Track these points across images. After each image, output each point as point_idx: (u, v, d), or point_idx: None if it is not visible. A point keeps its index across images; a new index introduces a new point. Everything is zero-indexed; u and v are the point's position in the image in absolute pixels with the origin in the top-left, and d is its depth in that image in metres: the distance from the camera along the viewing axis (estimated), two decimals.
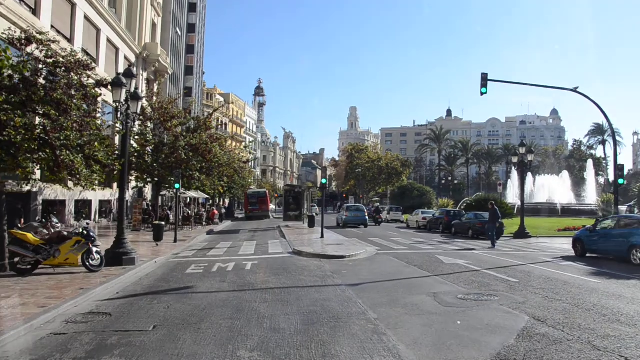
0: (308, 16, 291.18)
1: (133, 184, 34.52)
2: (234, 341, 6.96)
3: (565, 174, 64.17)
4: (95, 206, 35.45)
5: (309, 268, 14.45)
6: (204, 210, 44.99)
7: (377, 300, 9.75)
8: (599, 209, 50.60)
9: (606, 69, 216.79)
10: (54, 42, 13.10)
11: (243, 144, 77.71)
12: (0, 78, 11.25)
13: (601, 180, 79.10)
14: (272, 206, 71.94)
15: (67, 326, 7.96)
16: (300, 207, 40.48)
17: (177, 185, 24.43)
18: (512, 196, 56.51)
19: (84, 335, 7.35)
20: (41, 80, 12.00)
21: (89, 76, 13.62)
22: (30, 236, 12.85)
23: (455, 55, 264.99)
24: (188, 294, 10.58)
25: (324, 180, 28.18)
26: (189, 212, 38.44)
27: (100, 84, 14.13)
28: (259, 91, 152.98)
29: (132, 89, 15.35)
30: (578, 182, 69.92)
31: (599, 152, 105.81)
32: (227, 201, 74.29)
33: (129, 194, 40.59)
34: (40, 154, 11.96)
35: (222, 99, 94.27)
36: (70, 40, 29.91)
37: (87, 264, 13.13)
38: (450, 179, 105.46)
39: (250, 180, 69.90)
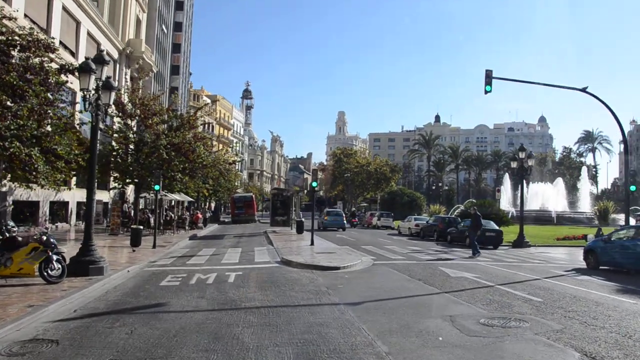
0: (297, 21, 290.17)
1: (113, 184, 32.68)
2: None
3: (559, 181, 63.05)
4: (72, 208, 33.50)
5: (300, 281, 12.77)
6: (188, 213, 43.14)
7: (384, 326, 8.11)
8: (595, 217, 49.64)
9: (588, 77, 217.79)
10: (9, 18, 11.35)
11: (230, 147, 75.83)
12: None
13: (593, 188, 78.15)
14: (257, 211, 71.13)
15: None
16: (288, 212, 38.69)
17: (156, 187, 22.63)
18: (504, 203, 55.19)
19: None
20: None
21: (51, 60, 11.88)
22: None
23: (443, 60, 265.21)
24: (159, 314, 8.86)
25: (314, 184, 26.54)
26: (172, 215, 36.58)
27: (65, 69, 12.41)
28: (246, 94, 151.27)
29: (104, 77, 13.63)
30: (569, 190, 68.89)
31: (588, 159, 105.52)
32: (212, 204, 72.39)
33: (109, 196, 38.67)
34: None
35: (209, 101, 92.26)
36: (46, 31, 28.04)
37: (45, 274, 11.32)
38: (440, 184, 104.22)
39: (236, 184, 68.10)
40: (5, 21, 10.91)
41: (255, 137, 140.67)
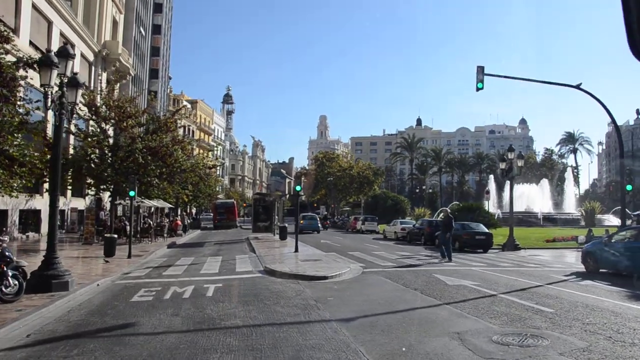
0: (277, 26, 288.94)
1: (88, 191, 31.28)
2: None
3: (544, 182, 62.75)
4: (44, 216, 31.97)
5: (286, 294, 11.65)
6: (167, 220, 41.71)
7: (385, 348, 7.06)
8: (582, 218, 49.29)
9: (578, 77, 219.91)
10: None
11: (211, 151, 74.35)
12: None
13: (575, 189, 78.14)
14: (239, 217, 70.61)
15: None
16: (271, 218, 37.51)
17: (132, 193, 21.31)
18: (489, 205, 54.58)
19: None
20: None
21: (7, 52, 10.68)
22: None
23: (423, 64, 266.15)
24: (125, 337, 7.70)
25: (298, 188, 25.53)
26: (150, 222, 35.17)
27: (24, 62, 11.20)
28: (227, 99, 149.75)
29: (69, 73, 12.43)
30: (552, 191, 68.70)
31: (570, 160, 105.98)
32: (193, 211, 70.86)
33: (85, 203, 37.18)
34: None
35: (189, 105, 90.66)
36: (15, 31, 26.59)
37: None
38: (424, 187, 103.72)
39: (217, 189, 66.67)
40: None
41: (237, 142, 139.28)
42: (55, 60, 11.60)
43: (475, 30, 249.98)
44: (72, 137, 29.59)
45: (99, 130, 26.89)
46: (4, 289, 10.10)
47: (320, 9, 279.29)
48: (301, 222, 43.32)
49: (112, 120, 27.02)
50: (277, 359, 6.51)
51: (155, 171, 26.58)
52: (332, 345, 7.15)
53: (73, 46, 34.65)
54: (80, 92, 13.37)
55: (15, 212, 28.36)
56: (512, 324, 8.50)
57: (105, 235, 22.19)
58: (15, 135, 11.65)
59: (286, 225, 34.14)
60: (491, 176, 78.73)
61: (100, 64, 42.15)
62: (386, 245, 31.00)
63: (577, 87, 20.64)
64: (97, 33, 41.99)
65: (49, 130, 24.17)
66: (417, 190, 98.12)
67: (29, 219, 30.87)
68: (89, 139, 26.41)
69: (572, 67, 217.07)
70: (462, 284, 13.20)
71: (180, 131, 39.90)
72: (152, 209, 44.76)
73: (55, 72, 11.64)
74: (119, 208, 37.91)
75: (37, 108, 13.91)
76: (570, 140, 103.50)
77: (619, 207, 55.89)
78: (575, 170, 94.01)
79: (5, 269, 10.21)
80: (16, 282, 10.36)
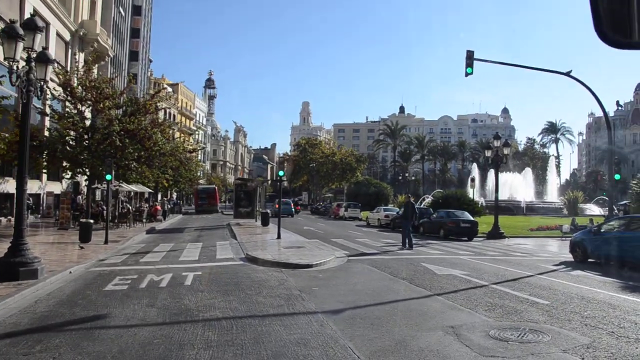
0: (261, 10, 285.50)
1: (67, 175, 30.29)
2: None
3: (528, 171, 62.87)
4: None
5: (268, 283, 11.10)
6: (146, 205, 40.82)
7: (375, 343, 6.55)
8: (565, 207, 49.43)
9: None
10: None
11: (191, 134, 73.20)
12: None
13: (556, 178, 78.55)
14: (221, 202, 70.59)
15: None
16: (253, 204, 36.88)
17: (108, 177, 20.53)
18: (472, 193, 54.49)
19: None
20: None
21: None
22: None
23: (406, 51, 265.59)
24: (95, 331, 7.09)
25: (281, 173, 24.95)
26: (129, 207, 34.30)
27: None
28: (209, 83, 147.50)
29: (37, 47, 11.63)
30: (535, 180, 68.98)
31: (551, 150, 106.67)
32: (174, 196, 69.89)
33: (62, 187, 36.15)
34: None
35: (170, 89, 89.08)
36: None
37: None
38: (406, 175, 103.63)
39: (198, 174, 65.82)
40: None
41: (219, 127, 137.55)
42: (21, 32, 10.78)
43: (458, 18, 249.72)
44: (47, 119, 28.58)
45: (75, 111, 25.92)
46: None
47: None
48: (276, 206, 43.53)
49: (89, 102, 26.04)
50: (259, 356, 5.96)
51: (133, 154, 25.74)
52: (318, 340, 6.63)
53: (48, 24, 33.38)
54: (50, 68, 12.55)
55: None
56: (508, 317, 8.06)
57: (81, 220, 21.42)
58: None
59: (268, 211, 33.59)
60: (474, 164, 78.84)
61: (77, 44, 40.83)
62: (370, 232, 30.63)
63: (567, 74, 20.28)
64: (74, 12, 40.58)
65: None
66: (400, 178, 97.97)
67: (2, 203, 29.89)
68: (64, 121, 25.42)
69: (550, 57, 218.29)
70: (452, 273, 12.78)
71: (161, 114, 38.83)
72: (132, 193, 43.82)
73: (20, 45, 10.82)
74: (97, 192, 36.95)
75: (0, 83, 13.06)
76: (552, 130, 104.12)
77: (600, 197, 56.56)
78: (557, 160, 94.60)
79: None
80: None
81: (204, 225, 33.84)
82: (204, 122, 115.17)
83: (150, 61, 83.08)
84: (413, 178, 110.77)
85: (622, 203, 35.95)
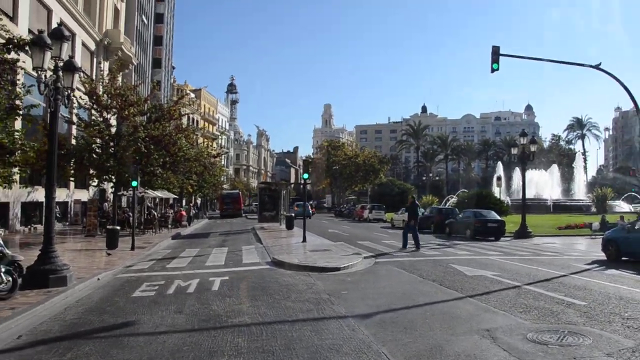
0: (280, 15, 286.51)
1: (94, 183, 30.62)
2: None
3: (554, 168, 61.74)
4: None
5: (296, 287, 10.99)
6: (171, 211, 41.15)
7: (410, 348, 6.38)
8: (593, 204, 48.39)
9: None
10: None
11: (215, 139, 73.72)
12: None
13: (584, 175, 77.04)
14: (245, 206, 71.66)
15: None
16: (277, 207, 36.86)
17: (134, 183, 20.69)
18: (498, 192, 53.77)
19: None
20: None
21: None
22: None
23: (428, 50, 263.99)
24: (124, 338, 7.04)
25: (305, 175, 24.82)
26: (154, 213, 34.58)
27: (13, 44, 10.49)
28: (231, 88, 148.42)
29: (64, 56, 11.71)
30: (561, 177, 67.76)
31: (577, 146, 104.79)
32: (198, 201, 70.41)
33: (89, 195, 36.60)
34: None
35: (192, 95, 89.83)
36: (12, 18, 25.91)
37: None
38: (430, 175, 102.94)
39: (222, 179, 66.31)
40: None
41: (241, 131, 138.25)
42: (48, 41, 10.87)
43: (479, 16, 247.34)
44: (74, 128, 28.95)
45: (100, 119, 26.22)
46: None
47: None
48: (295, 208, 45.15)
49: (114, 109, 26.31)
50: None
51: (158, 160, 25.90)
52: (351, 345, 6.48)
53: (74, 35, 33.89)
54: (77, 77, 12.65)
55: (17, 204, 27.81)
56: (544, 319, 7.80)
57: (108, 227, 21.60)
58: (6, 121, 10.92)
59: (293, 214, 33.53)
60: (499, 163, 77.59)
61: (102, 53, 41.39)
62: (395, 234, 30.30)
63: (597, 67, 19.79)
64: (98, 22, 41.18)
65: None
66: (424, 178, 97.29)
67: (32, 211, 30.35)
68: (91, 129, 25.72)
69: (578, 52, 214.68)
70: (482, 274, 12.51)
71: (184, 120, 39.12)
72: (157, 199, 44.24)
73: (48, 55, 10.92)
74: (123, 199, 37.34)
75: (28, 92, 13.20)
76: (578, 125, 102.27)
77: (630, 193, 55.27)
78: (584, 156, 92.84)
79: None
80: (9, 278, 9.71)
81: (228, 230, 33.93)
82: (227, 127, 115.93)
83: (173, 68, 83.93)
84: (437, 178, 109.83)
85: None
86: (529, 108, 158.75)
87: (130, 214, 30.00)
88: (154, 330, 7.47)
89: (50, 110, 11.68)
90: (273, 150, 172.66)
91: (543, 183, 57.65)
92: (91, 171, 27.16)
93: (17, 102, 11.73)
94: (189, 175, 35.86)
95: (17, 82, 12.19)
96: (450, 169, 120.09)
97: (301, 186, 30.96)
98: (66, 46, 11.81)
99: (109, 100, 26.22)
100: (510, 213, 37.21)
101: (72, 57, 13.30)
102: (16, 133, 11.75)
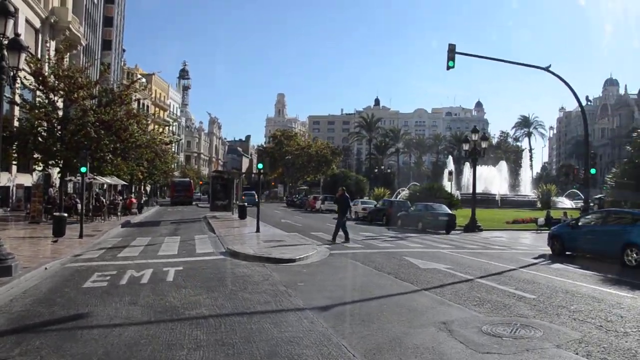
0: (234, 3, 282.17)
1: (39, 167, 29.42)
2: None
3: (503, 164, 63.59)
4: None
5: (253, 278, 10.92)
6: (120, 198, 40.09)
7: (369, 341, 6.44)
8: (538, 200, 50.13)
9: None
10: None
11: (167, 126, 72.32)
12: None
13: (530, 172, 79.73)
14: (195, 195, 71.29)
15: None
16: (230, 196, 36.54)
17: (83, 169, 19.98)
18: (449, 186, 54.98)
19: None
20: None
21: None
22: None
23: (382, 44, 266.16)
24: (77, 331, 6.81)
25: (260, 165, 24.67)
26: (103, 200, 33.62)
27: None
28: (183, 74, 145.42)
29: (9, 34, 11.17)
30: (509, 173, 69.90)
31: (524, 144, 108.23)
32: (148, 188, 69.03)
33: (32, 180, 35.20)
34: None
35: (143, 79, 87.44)
36: None
37: None
38: (382, 167, 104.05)
39: (173, 166, 65.22)
40: None
41: (193, 118, 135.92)
42: None
43: (432, 12, 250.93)
44: (17, 109, 27.72)
45: (46, 101, 25.19)
46: None
47: None
48: (243, 197, 43.87)
49: (62, 92, 25.32)
50: (252, 356, 5.79)
51: (109, 146, 25.16)
52: (311, 338, 6.49)
53: (17, 10, 32.33)
54: (23, 56, 12.12)
55: None
56: (498, 312, 8.05)
57: (55, 213, 20.85)
58: None
59: (246, 204, 33.30)
60: (450, 157, 79.42)
61: (47, 32, 39.66)
62: (348, 225, 30.49)
63: (546, 69, 20.47)
64: None
65: None
66: (375, 170, 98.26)
67: None
68: (36, 111, 24.69)
69: (522, 54, 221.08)
70: (435, 267, 12.77)
71: (135, 105, 38.05)
72: (105, 186, 43.01)
73: None
74: (69, 185, 36.12)
75: None
76: (525, 124, 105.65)
77: (572, 190, 57.58)
78: (530, 153, 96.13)
79: None
80: None
81: (180, 219, 33.39)
82: (178, 113, 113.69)
83: (124, 51, 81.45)
84: (388, 171, 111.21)
85: (597, 197, 36.65)
86: (479, 105, 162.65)
87: (78, 200, 29.09)
88: (109, 322, 7.26)
89: None
90: (225, 138, 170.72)
91: (492, 178, 59.33)
92: (36, 155, 26.12)
93: None
94: (140, 161, 34.98)
95: None
96: (402, 162, 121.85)
97: (253, 175, 30.82)
98: (12, 23, 11.27)
99: (56, 82, 25.23)
100: (460, 207, 38.12)
101: (18, 35, 12.71)
102: None
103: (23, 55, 12.04)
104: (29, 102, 25.36)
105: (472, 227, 27.49)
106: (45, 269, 11.76)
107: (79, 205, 26.77)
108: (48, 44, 36.27)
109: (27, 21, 35.43)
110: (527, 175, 66.11)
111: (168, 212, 42.50)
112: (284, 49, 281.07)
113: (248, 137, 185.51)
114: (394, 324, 7.24)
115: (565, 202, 50.51)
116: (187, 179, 71.68)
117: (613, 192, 19.92)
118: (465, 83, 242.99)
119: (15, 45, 11.37)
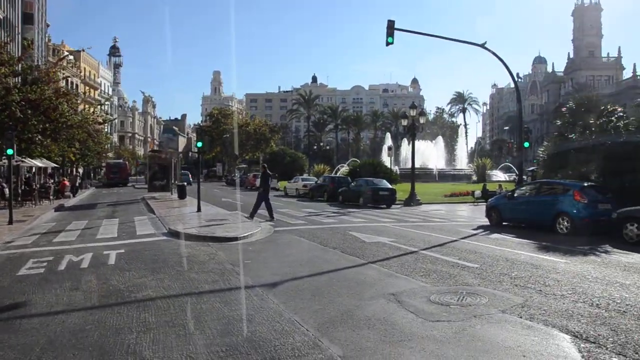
0: None
1: None
2: None
3: (439, 140, 65.17)
4: None
5: (198, 258, 10.73)
6: (52, 181, 38.37)
7: (321, 316, 6.46)
8: (474, 173, 51.77)
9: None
10: None
11: (100, 104, 69.46)
12: None
13: (464, 146, 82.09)
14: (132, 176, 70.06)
15: None
16: (168, 176, 35.69)
17: (9, 151, 18.88)
18: (389, 162, 55.92)
19: None
20: None
21: None
22: None
23: (318, 20, 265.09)
24: (15, 321, 6.46)
25: (199, 144, 24.08)
26: (33, 184, 32.07)
27: None
28: (114, 51, 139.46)
29: None
30: (445, 148, 71.78)
31: (459, 120, 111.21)
32: (80, 170, 66.56)
33: None
34: None
35: (71, 57, 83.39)
36: None
37: None
38: (321, 144, 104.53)
39: (107, 147, 63.12)
40: None
41: (126, 97, 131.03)
42: None
43: None
44: None
45: None
46: None
47: None
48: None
49: None
50: (205, 336, 5.68)
51: (37, 127, 23.87)
52: (263, 315, 6.45)
53: None
54: None
55: None
56: (444, 282, 8.26)
57: None
58: None
59: (185, 183, 32.64)
60: (387, 133, 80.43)
61: None
62: (289, 202, 30.61)
63: (482, 45, 20.97)
64: None
65: None
66: (314, 147, 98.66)
67: None
68: None
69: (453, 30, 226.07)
70: (380, 240, 12.97)
71: (63, 84, 36.28)
72: (34, 169, 41.06)
73: None
74: None
75: None
76: (460, 100, 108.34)
77: (505, 164, 59.84)
78: (465, 129, 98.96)
79: None
80: None
81: (117, 200, 32.34)
82: (110, 92, 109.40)
83: (48, 25, 77.15)
84: (327, 147, 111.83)
85: (530, 169, 38.16)
86: (414, 81, 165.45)
87: (5, 184, 27.59)
88: (49, 310, 6.93)
89: None
90: (160, 118, 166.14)
91: (429, 153, 60.67)
92: None
93: None
94: (71, 143, 33.49)
95: None
96: (340, 139, 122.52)
97: (191, 154, 30.07)
98: None
99: None
100: (400, 182, 38.82)
101: None
102: None
103: None
104: None
105: (412, 201, 28.08)
106: None
107: (6, 190, 25.41)
108: None
109: None
110: (462, 150, 68.22)
111: (103, 195, 41.07)
112: (220, 27, 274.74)
113: (184, 116, 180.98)
114: (344, 298, 7.30)
115: (499, 175, 52.42)
116: (123, 161, 70.81)
117: (545, 165, 20.86)
118: (400, 60, 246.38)
119: None
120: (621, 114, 20.65)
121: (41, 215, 21.18)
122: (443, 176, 52.02)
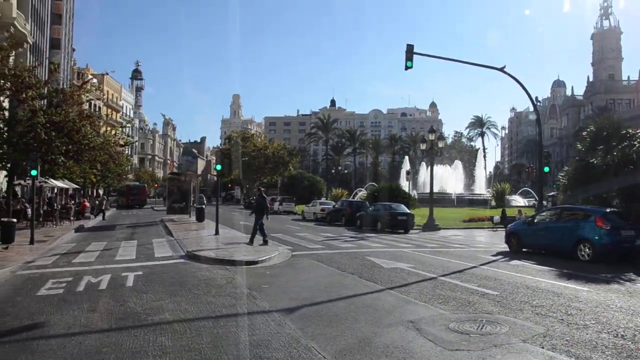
0: (186, 3, 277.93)
1: None
2: None
3: (458, 164, 64.79)
4: None
5: (215, 281, 10.72)
6: (73, 202, 38.89)
7: (339, 342, 6.39)
8: (493, 198, 51.29)
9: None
10: None
11: (121, 127, 70.59)
12: None
13: (482, 171, 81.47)
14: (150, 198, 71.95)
15: None
16: (187, 199, 35.96)
17: (33, 172, 19.19)
18: (407, 186, 55.68)
19: None
20: None
21: None
22: None
23: (335, 45, 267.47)
24: (33, 342, 6.51)
25: (218, 167, 24.32)
26: (55, 205, 32.53)
27: None
28: (136, 74, 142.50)
29: None
30: (463, 172, 71.34)
31: (477, 143, 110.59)
32: (101, 191, 67.50)
33: None
34: None
35: (95, 80, 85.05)
36: None
37: None
38: (339, 168, 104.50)
39: (127, 168, 64.03)
40: None
41: (146, 120, 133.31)
42: None
43: (389, 12, 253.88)
44: None
45: None
46: None
47: None
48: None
49: (8, 91, 24.26)
50: None
51: (60, 148, 24.24)
52: (280, 341, 6.40)
53: None
54: None
55: None
56: (463, 310, 8.13)
57: (2, 219, 19.99)
58: None
59: (204, 206, 32.79)
60: (406, 157, 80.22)
61: None
62: (307, 226, 30.54)
63: (501, 69, 20.94)
64: None
65: None
66: (332, 171, 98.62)
67: None
68: None
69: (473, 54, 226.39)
70: (398, 266, 12.85)
71: (87, 106, 36.94)
72: (56, 190, 41.67)
73: None
74: (18, 189, 34.74)
75: None
76: (479, 124, 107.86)
77: (524, 189, 59.24)
78: (484, 153, 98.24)
79: None
80: None
81: (136, 222, 32.61)
82: (131, 115, 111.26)
83: (74, 50, 79.10)
84: (345, 171, 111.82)
85: (550, 194, 37.71)
86: (433, 105, 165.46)
87: (27, 204, 28.01)
88: (67, 331, 6.97)
89: None
90: (180, 140, 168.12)
91: (447, 177, 60.35)
92: None
93: None
94: (93, 164, 33.95)
95: None
96: (358, 163, 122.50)
97: (209, 177, 30.23)
98: None
99: (2, 81, 24.15)
100: (418, 206, 38.60)
101: None
102: None
103: None
104: None
105: (431, 225, 27.86)
106: None
107: (29, 210, 25.77)
108: None
109: None
110: (481, 174, 67.63)
111: (123, 216, 41.48)
112: (239, 49, 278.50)
113: (203, 139, 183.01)
114: (362, 324, 7.22)
115: (518, 200, 51.85)
116: (142, 184, 73.80)
117: (565, 189, 20.56)
118: (419, 84, 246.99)
119: None
120: None
121: (62, 235, 21.43)
122: (461, 201, 51.58)
